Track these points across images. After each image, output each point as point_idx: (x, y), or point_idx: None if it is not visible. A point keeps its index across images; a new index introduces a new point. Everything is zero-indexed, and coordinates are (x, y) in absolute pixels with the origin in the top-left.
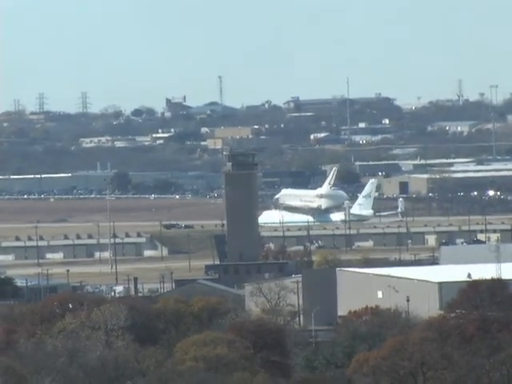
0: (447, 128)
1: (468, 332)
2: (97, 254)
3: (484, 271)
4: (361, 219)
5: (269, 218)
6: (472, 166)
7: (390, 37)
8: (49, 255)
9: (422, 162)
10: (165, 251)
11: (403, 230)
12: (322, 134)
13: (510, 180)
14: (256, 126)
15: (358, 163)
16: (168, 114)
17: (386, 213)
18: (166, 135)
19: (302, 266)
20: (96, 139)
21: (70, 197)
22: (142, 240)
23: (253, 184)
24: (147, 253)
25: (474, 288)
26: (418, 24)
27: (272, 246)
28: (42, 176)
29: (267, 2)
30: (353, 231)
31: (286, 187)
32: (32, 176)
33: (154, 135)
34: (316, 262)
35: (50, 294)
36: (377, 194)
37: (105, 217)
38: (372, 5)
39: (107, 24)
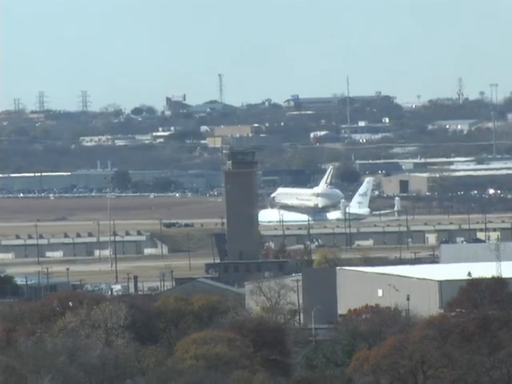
0: (447, 127)
1: (468, 330)
2: (97, 253)
3: (484, 270)
4: (357, 218)
5: (265, 216)
6: (472, 165)
7: (390, 36)
8: (49, 253)
9: (422, 160)
10: (165, 249)
11: (403, 228)
12: (322, 133)
13: (510, 179)
14: (256, 125)
15: (358, 162)
16: (168, 113)
17: (382, 211)
18: (166, 134)
19: (302, 265)
20: (96, 138)
21: (70, 195)
22: (142, 238)
23: (253, 182)
24: (147, 251)
25: (474, 286)
26: (418, 23)
27: (272, 244)
28: (42, 174)
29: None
30: (353, 230)
31: (286, 186)
32: (32, 174)
33: (154, 134)
34: (316, 261)
35: (50, 293)
36: (377, 192)
37: (105, 215)
38: (372, 4)
39: (107, 23)
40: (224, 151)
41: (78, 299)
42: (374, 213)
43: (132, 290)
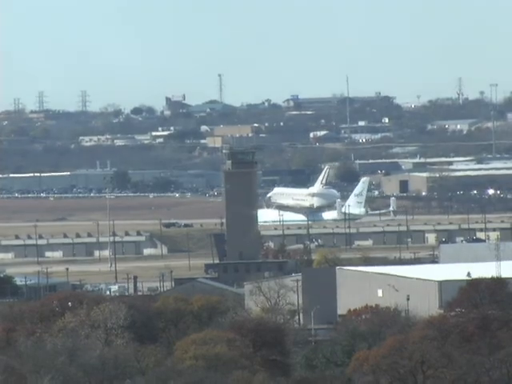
0: (447, 126)
1: (468, 330)
2: (96, 253)
3: (484, 270)
4: (353, 218)
5: (262, 216)
6: (472, 165)
7: (389, 35)
8: (48, 254)
9: (422, 160)
10: (164, 250)
11: (403, 228)
12: (322, 133)
13: (509, 178)
14: (256, 125)
15: (357, 162)
16: (168, 113)
17: (378, 211)
18: (165, 133)
19: (302, 265)
20: (96, 138)
21: (70, 195)
22: (142, 238)
23: (252, 182)
24: (147, 251)
25: (473, 286)
26: (418, 22)
27: (272, 244)
28: (42, 174)
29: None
30: (352, 230)
31: (286, 185)
32: (32, 174)
33: (154, 133)
34: (316, 261)
35: (50, 293)
36: (376, 192)
37: (104, 215)
38: (372, 3)
39: (107, 22)
40: (224, 151)
41: (77, 299)
42: (369, 212)
43: (129, 290)
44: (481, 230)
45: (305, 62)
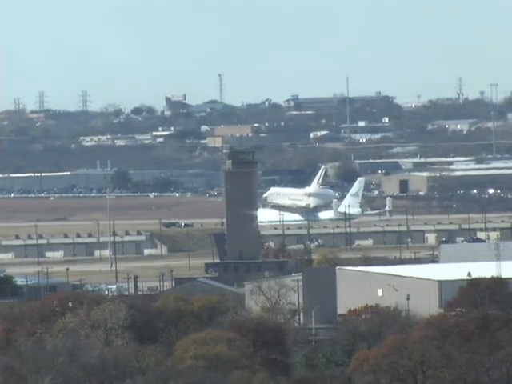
0: (447, 126)
1: (468, 330)
2: (97, 253)
3: (484, 269)
4: (349, 218)
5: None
6: (472, 165)
7: (389, 35)
8: (49, 254)
9: (422, 160)
10: (164, 249)
11: (403, 228)
12: (322, 133)
13: (509, 178)
14: (256, 124)
15: (357, 161)
16: (168, 113)
17: (374, 211)
18: (165, 133)
19: (302, 265)
20: (96, 137)
21: (70, 195)
22: (142, 238)
23: (253, 182)
24: (147, 251)
25: (473, 286)
26: (418, 22)
27: (272, 244)
28: (42, 174)
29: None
30: (353, 229)
31: (286, 185)
32: (32, 174)
33: (154, 133)
34: (316, 261)
35: (50, 293)
36: (376, 192)
37: (105, 215)
38: (372, 3)
39: (107, 22)
40: (224, 151)
41: (77, 299)
42: (365, 212)
43: (130, 290)
44: (481, 229)
45: (305, 62)
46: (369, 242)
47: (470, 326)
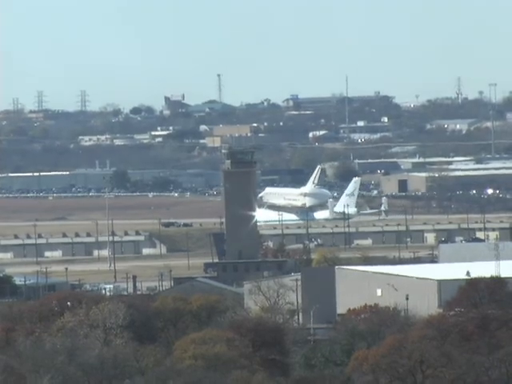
0: (446, 126)
1: (467, 330)
2: (95, 252)
3: (483, 269)
4: (344, 217)
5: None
6: (471, 165)
7: (388, 35)
8: (47, 253)
9: (421, 160)
10: (163, 249)
11: (402, 228)
12: (321, 132)
13: (508, 178)
14: (255, 124)
15: (356, 161)
16: (167, 112)
17: (369, 211)
18: (164, 133)
19: (301, 264)
20: (95, 137)
21: (69, 195)
22: (141, 238)
23: (252, 182)
24: (146, 251)
25: (473, 286)
26: (417, 22)
27: (271, 244)
28: (41, 174)
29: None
30: (352, 229)
31: (285, 185)
32: (31, 174)
33: (153, 133)
34: (315, 260)
35: (49, 292)
36: (375, 191)
37: (103, 215)
38: (371, 3)
39: (106, 22)
40: (223, 151)
41: (76, 299)
42: (361, 212)
43: (128, 289)
44: (480, 229)
45: (304, 62)
46: (368, 242)
47: (469, 325)
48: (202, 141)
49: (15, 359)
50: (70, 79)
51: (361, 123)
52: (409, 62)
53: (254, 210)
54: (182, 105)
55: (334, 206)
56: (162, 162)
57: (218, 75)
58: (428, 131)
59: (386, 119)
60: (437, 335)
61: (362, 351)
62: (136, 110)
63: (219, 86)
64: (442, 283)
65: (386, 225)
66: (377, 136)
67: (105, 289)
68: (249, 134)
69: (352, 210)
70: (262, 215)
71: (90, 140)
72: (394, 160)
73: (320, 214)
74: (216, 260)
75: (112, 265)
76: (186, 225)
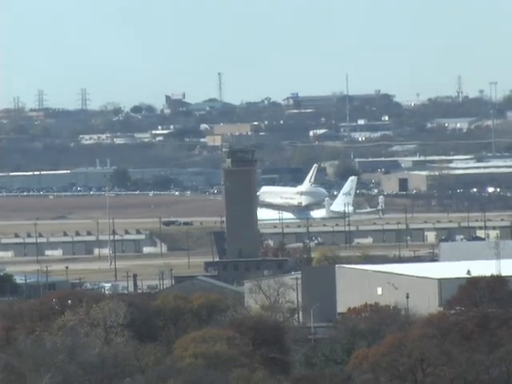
0: (446, 125)
1: (467, 329)
2: (96, 251)
3: (483, 268)
4: (340, 216)
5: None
6: (471, 163)
7: (389, 33)
8: (48, 252)
9: (422, 158)
10: (164, 248)
11: (403, 226)
12: (322, 131)
13: (509, 177)
14: (255, 123)
15: (357, 160)
16: (167, 111)
17: (365, 210)
18: (165, 132)
19: (302, 263)
20: (95, 136)
21: (70, 193)
22: (142, 237)
23: (252, 180)
24: (146, 249)
25: (473, 285)
26: (418, 22)
27: (271, 242)
28: (42, 173)
29: None
30: (352, 228)
31: (286, 184)
32: (31, 173)
33: (154, 132)
34: (315, 259)
35: (49, 291)
36: (376, 190)
37: (104, 213)
38: (371, 2)
39: (106, 20)
40: (223, 149)
41: (77, 298)
42: (357, 211)
43: (127, 288)
44: (480, 228)
45: (304, 60)
46: (368, 241)
47: (469, 324)
48: (202, 139)
49: (15, 358)
50: (71, 78)
51: (361, 122)
52: (409, 60)
53: (255, 209)
54: (183, 103)
55: (331, 204)
56: (163, 161)
57: (219, 74)
58: (428, 130)
59: (386, 118)
60: (437, 334)
61: (363, 350)
62: (136, 109)
63: (220, 84)
64: (442, 282)
65: (387, 223)
66: (377, 134)
67: (103, 287)
68: (249, 133)
69: (348, 208)
70: (262, 214)
71: (90, 139)
72: (395, 158)
73: (317, 213)
74: (216, 259)
75: (112, 263)
76: (186, 223)
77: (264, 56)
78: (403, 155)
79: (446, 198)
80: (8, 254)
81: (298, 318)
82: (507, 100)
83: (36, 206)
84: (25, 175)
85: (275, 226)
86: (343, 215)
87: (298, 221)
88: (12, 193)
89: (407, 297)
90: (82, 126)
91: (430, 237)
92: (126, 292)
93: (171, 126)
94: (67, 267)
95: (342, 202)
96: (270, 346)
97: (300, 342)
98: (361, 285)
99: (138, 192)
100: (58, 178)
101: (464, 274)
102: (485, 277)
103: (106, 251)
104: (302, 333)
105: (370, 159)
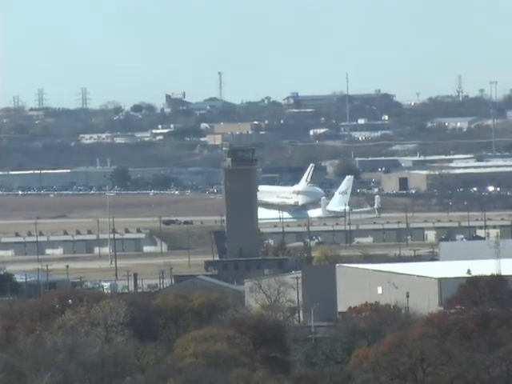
0: (447, 124)
1: (468, 328)
2: (96, 250)
3: (483, 267)
4: (336, 215)
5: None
6: (471, 162)
7: (389, 33)
8: (48, 251)
9: (422, 158)
10: (164, 247)
11: (403, 225)
12: (322, 130)
13: (509, 176)
14: (255, 122)
15: (357, 159)
16: (168, 110)
17: (361, 209)
18: (165, 131)
19: (302, 262)
20: (96, 135)
21: (70, 193)
22: (142, 236)
23: (252, 180)
24: (147, 249)
25: (473, 284)
26: (418, 20)
27: (272, 242)
28: (42, 172)
29: None
30: (352, 227)
31: (286, 183)
32: (32, 172)
33: (154, 131)
34: (316, 258)
35: (50, 290)
36: (376, 189)
37: (104, 213)
38: (371, 1)
39: (107, 20)
40: (224, 148)
41: (77, 297)
42: (353, 210)
43: (128, 287)
44: (480, 227)
45: (304, 60)
46: (368, 240)
47: (469, 323)
48: (202, 139)
49: (16, 357)
50: (71, 77)
51: (361, 121)
52: (409, 60)
53: (255, 208)
54: (183, 103)
55: (327, 204)
56: (163, 160)
57: (219, 73)
58: (429, 129)
59: (386, 117)
60: (437, 333)
61: (363, 349)
62: (137, 108)
63: (220, 83)
64: (442, 281)
65: (387, 222)
66: (377, 134)
67: (102, 286)
68: (249, 132)
69: (344, 208)
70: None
71: (90, 138)
72: (395, 158)
73: (313, 212)
74: (217, 258)
75: (113, 262)
76: (186, 223)
77: (264, 55)
78: (403, 154)
79: (446, 197)
80: (8, 253)
81: (299, 317)
82: (507, 99)
83: (36, 205)
84: (25, 174)
85: (275, 226)
86: (339, 214)
87: (298, 220)
88: (12, 192)
89: (407, 296)
90: (82, 125)
91: (430, 236)
92: (126, 291)
93: (171, 125)
94: (67, 266)
95: (338, 202)
96: (271, 346)
97: (300, 342)
98: (361, 284)
99: (138, 191)
100: (58, 177)
101: (464, 274)
102: (485, 276)
103: (106, 250)
104: (303, 332)
105: (370, 158)
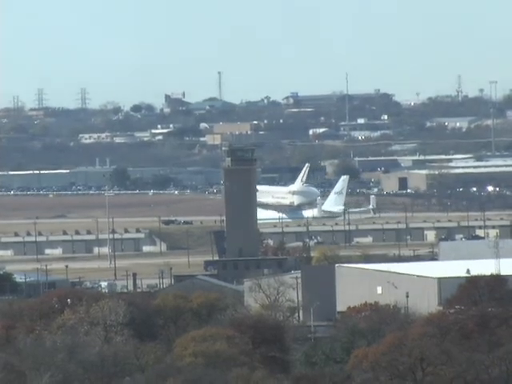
0: (446, 124)
1: (467, 328)
2: (96, 250)
3: (483, 267)
4: (332, 216)
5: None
6: (471, 162)
7: (389, 33)
8: (48, 251)
9: (421, 157)
10: (164, 247)
11: (402, 225)
12: (321, 130)
13: (509, 176)
14: (255, 122)
15: (356, 159)
16: (167, 110)
17: (357, 209)
18: (165, 131)
19: (301, 262)
20: (95, 135)
21: (69, 193)
22: (141, 236)
23: (252, 180)
24: (146, 248)
25: (473, 284)
26: (417, 20)
27: (271, 241)
28: (41, 172)
29: None
30: (352, 227)
31: (286, 183)
32: (31, 172)
33: (153, 131)
34: (315, 258)
35: (49, 290)
36: (376, 189)
37: (104, 212)
38: (371, 1)
39: (106, 19)
40: (223, 148)
41: (76, 296)
42: (348, 210)
43: (127, 287)
44: (480, 227)
45: (304, 60)
46: (368, 240)
47: (469, 323)
48: (202, 138)
49: (15, 357)
50: (70, 77)
51: (361, 121)
52: (409, 59)
53: (255, 208)
54: (183, 103)
55: (323, 204)
56: (162, 160)
57: (219, 73)
58: (428, 129)
59: (386, 117)
60: (437, 333)
61: (362, 349)
62: (136, 108)
63: (219, 83)
64: (441, 281)
65: (386, 222)
66: (377, 134)
67: (100, 286)
68: (249, 132)
69: (339, 207)
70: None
71: (90, 138)
72: (394, 158)
73: (308, 213)
74: (216, 258)
75: (112, 262)
76: (186, 222)
77: (264, 55)
78: (403, 154)
79: (446, 197)
80: (8, 253)
81: (298, 316)
82: (507, 99)
83: (36, 205)
84: (24, 174)
85: (275, 226)
86: (334, 215)
87: (297, 220)
88: (12, 192)
89: (407, 296)
90: (81, 125)
91: (430, 236)
92: (125, 291)
93: (171, 125)
94: (67, 266)
95: (333, 202)
96: (270, 345)
97: (300, 341)
98: (360, 284)
99: (137, 191)
100: (57, 177)
101: (464, 273)
102: (484, 276)
103: (105, 250)
104: (302, 332)
105: (369, 158)
